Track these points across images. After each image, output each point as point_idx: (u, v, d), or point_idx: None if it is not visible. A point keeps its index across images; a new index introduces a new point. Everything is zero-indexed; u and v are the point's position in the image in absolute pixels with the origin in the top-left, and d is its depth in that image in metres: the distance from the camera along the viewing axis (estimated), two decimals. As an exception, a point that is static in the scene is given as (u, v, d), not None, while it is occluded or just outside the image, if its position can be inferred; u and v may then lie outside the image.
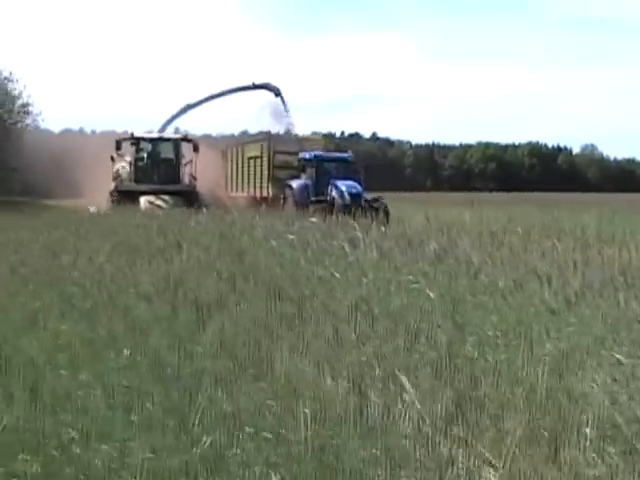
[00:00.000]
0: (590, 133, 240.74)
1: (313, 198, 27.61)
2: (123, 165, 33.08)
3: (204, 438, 4.54)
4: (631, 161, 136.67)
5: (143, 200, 31.10)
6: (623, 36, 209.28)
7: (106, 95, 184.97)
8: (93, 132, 78.02)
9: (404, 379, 5.25)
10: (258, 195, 32.86)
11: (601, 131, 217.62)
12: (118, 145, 31.89)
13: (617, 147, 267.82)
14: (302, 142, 32.58)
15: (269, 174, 31.96)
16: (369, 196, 27.75)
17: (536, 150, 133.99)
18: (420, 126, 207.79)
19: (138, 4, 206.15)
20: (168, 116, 36.67)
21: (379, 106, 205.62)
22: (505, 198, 57.43)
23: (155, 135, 33.78)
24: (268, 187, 31.98)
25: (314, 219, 21.16)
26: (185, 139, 32.40)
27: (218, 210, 27.03)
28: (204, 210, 25.19)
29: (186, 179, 33.08)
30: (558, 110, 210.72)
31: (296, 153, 32.31)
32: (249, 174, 34.27)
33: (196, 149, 32.99)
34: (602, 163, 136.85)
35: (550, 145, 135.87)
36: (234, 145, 36.58)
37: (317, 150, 31.90)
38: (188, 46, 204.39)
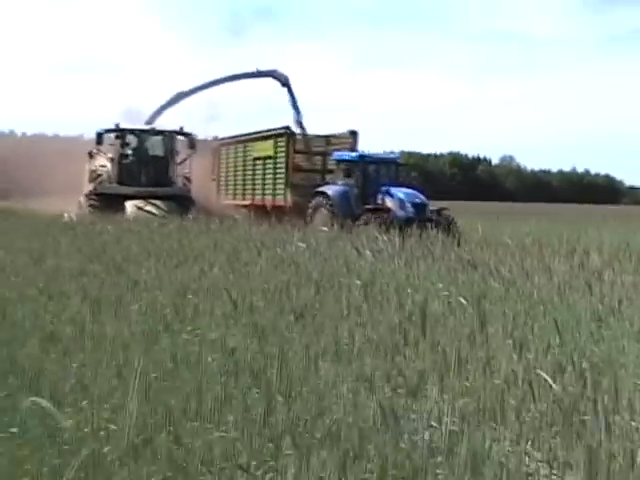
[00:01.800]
0: (509, 144, 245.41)
1: (367, 206, 21.91)
2: (103, 163, 26.70)
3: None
4: (546, 172, 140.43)
5: (130, 205, 24.91)
6: (541, 50, 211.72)
7: (34, 98, 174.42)
8: (24, 134, 71.30)
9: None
10: (268, 204, 26.90)
11: (519, 142, 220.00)
12: (99, 139, 25.52)
13: (534, 158, 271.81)
14: (327, 141, 26.82)
15: (287, 178, 26.08)
16: (432, 207, 22.29)
17: (457, 160, 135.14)
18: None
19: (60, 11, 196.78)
20: (157, 106, 30.41)
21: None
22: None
23: (145, 127, 27.47)
24: (285, 194, 26.07)
25: (382, 237, 15.83)
26: (181, 133, 26.26)
27: (214, 218, 21.31)
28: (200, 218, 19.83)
29: (179, 181, 26.95)
30: (479, 121, 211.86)
31: (320, 154, 26.63)
32: (254, 178, 28.28)
33: (192, 145, 26.91)
34: (519, 173, 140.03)
35: (470, 155, 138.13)
36: (230, 144, 30.45)
37: (346, 150, 26.31)
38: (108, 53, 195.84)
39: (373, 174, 23.10)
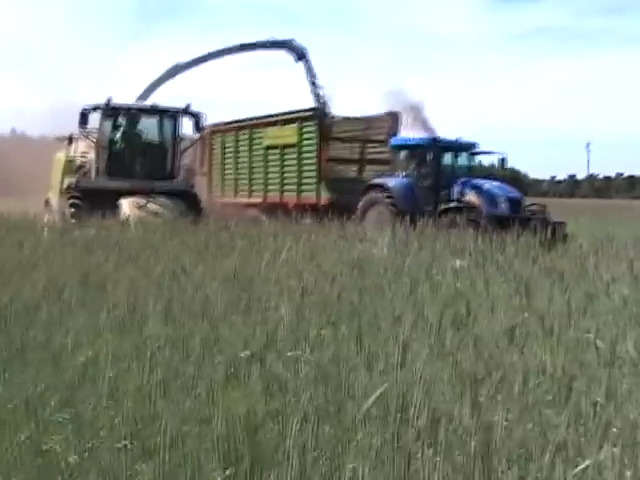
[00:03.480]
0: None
1: (450, 204, 17.30)
2: (84, 150, 21.25)
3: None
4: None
5: (126, 203, 19.62)
6: (445, 49, 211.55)
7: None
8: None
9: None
10: (291, 201, 21.94)
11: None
12: (83, 119, 20.06)
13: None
14: (366, 124, 22.03)
15: (319, 171, 21.17)
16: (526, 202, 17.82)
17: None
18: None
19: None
20: (152, 80, 24.82)
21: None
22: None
23: (143, 104, 22.08)
24: (318, 190, 21.16)
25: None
26: (187, 111, 21.00)
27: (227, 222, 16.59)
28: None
29: (182, 174, 21.73)
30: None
31: (359, 140, 21.86)
32: (268, 171, 23.27)
33: (199, 129, 21.70)
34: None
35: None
36: (228, 130, 25.23)
37: (384, 135, 21.66)
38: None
39: (446, 163, 18.43)
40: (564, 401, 3.96)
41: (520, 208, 17.06)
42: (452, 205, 17.17)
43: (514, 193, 17.57)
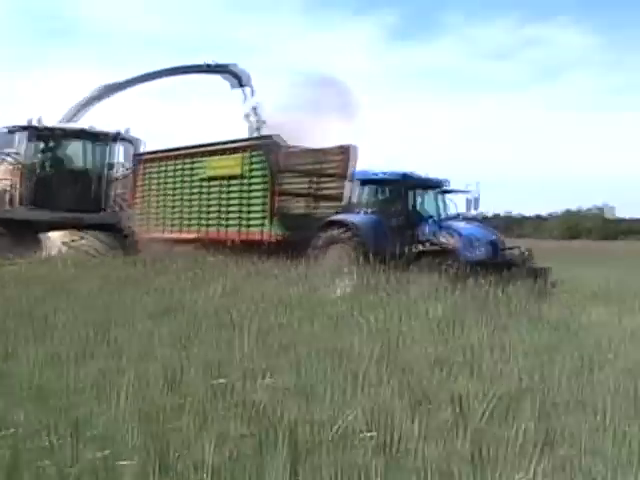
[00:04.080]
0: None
1: (422, 247, 15.82)
2: (3, 177, 18.81)
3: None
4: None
5: (54, 240, 17.42)
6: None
7: None
8: None
9: None
10: (234, 237, 20.07)
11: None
12: (8, 138, 17.73)
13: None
14: (318, 157, 20.40)
15: (272, 204, 19.38)
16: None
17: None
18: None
19: None
20: (75, 102, 22.27)
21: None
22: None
23: (73, 126, 19.72)
24: (266, 225, 19.35)
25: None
26: (123, 137, 18.89)
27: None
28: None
29: (114, 204, 19.58)
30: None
31: (312, 174, 20.23)
32: (209, 204, 21.30)
33: (135, 155, 19.66)
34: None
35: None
36: (160, 160, 23.08)
37: (337, 169, 20.17)
38: None
39: (416, 201, 16.96)
40: None
41: (499, 252, 15.72)
42: (429, 248, 15.66)
43: (495, 235, 16.24)
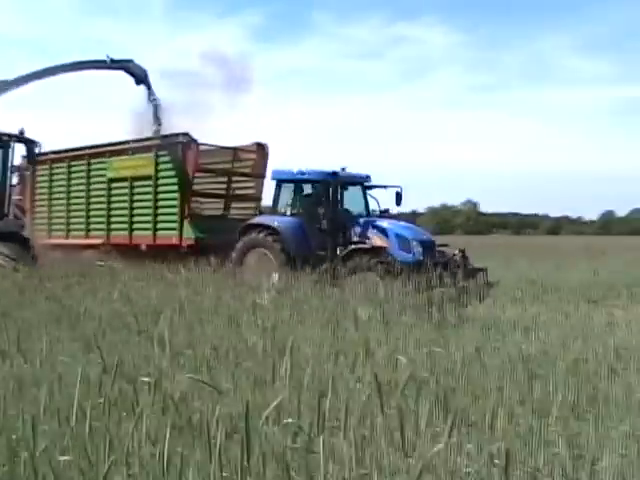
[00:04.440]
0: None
1: (353, 246, 14.96)
2: None
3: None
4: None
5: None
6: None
7: None
8: None
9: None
10: (143, 242, 18.71)
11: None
12: None
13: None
14: (234, 155, 19.24)
15: (184, 206, 18.10)
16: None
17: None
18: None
19: None
20: None
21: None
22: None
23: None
24: (180, 229, 18.06)
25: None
26: (21, 139, 17.22)
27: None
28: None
29: (9, 212, 17.86)
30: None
31: (227, 173, 19.09)
32: (112, 207, 19.81)
33: (32, 157, 18.01)
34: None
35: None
36: (53, 161, 21.28)
37: (252, 168, 19.24)
38: None
39: (343, 200, 16.02)
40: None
41: (433, 252, 14.98)
42: (359, 246, 14.77)
43: (427, 235, 15.47)
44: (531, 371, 6.06)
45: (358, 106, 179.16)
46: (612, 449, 4.18)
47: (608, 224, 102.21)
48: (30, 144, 17.47)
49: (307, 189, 16.18)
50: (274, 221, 15.75)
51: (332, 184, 15.53)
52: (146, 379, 4.61)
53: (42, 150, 18.26)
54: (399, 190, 16.26)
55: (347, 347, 6.43)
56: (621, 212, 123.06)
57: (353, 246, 14.82)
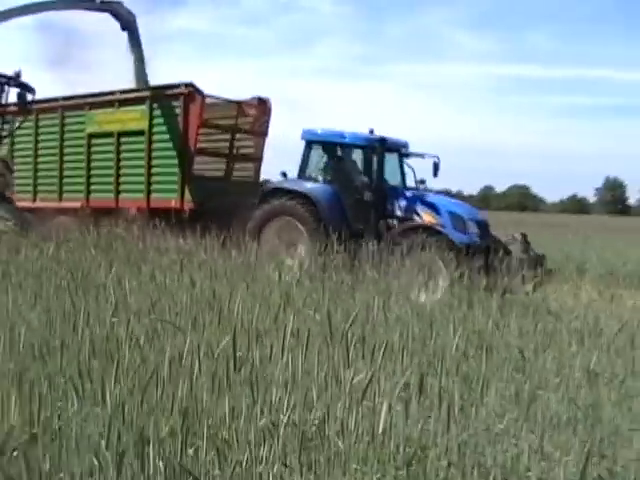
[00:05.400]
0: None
1: (408, 223, 13.33)
2: None
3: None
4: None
5: None
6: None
7: None
8: None
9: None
10: (132, 206, 16.48)
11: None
12: None
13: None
14: (238, 110, 17.19)
15: (185, 167, 16.00)
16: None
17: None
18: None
19: None
20: None
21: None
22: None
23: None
24: (182, 191, 15.96)
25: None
26: (17, 82, 14.91)
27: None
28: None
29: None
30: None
31: (231, 129, 17.10)
32: (101, 165, 17.41)
33: (26, 105, 15.74)
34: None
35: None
36: (24, 113, 18.44)
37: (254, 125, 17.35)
38: None
39: (384, 170, 14.25)
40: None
41: (488, 233, 13.47)
42: (414, 223, 13.11)
43: (480, 215, 13.91)
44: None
45: (246, 72, 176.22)
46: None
47: (487, 198, 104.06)
48: (24, 89, 15.20)
49: (344, 154, 14.39)
50: (306, 186, 13.91)
51: (378, 150, 13.73)
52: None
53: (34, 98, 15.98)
54: (436, 160, 14.65)
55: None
56: (500, 188, 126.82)
57: (409, 223, 13.15)
